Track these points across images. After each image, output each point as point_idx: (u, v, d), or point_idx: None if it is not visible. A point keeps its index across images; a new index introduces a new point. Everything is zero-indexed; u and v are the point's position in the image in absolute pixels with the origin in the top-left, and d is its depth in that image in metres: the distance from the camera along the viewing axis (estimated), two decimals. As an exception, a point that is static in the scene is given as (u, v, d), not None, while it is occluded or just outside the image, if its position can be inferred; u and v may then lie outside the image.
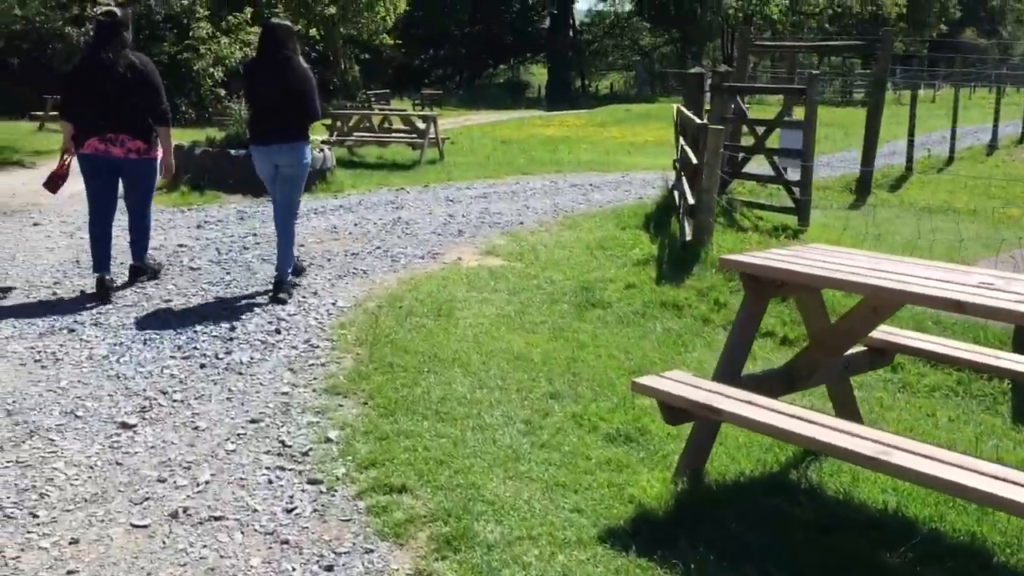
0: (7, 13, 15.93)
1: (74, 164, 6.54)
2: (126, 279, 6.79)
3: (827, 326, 3.70)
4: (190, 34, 13.41)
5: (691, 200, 7.27)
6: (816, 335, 3.71)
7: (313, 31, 30.90)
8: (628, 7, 59.48)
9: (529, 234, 9.17)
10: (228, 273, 7.16)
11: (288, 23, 6.63)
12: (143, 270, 6.85)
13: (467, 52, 50.65)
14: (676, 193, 9.63)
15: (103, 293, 6.28)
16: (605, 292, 6.53)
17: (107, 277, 6.36)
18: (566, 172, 14.90)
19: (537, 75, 58.77)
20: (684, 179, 8.47)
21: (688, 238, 7.08)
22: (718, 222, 8.43)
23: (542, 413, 4.41)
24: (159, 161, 6.55)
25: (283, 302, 6.25)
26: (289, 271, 6.49)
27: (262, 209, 10.22)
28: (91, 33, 6.42)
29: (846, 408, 4.10)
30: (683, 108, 9.89)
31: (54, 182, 6.66)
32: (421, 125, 15.35)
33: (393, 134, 16.61)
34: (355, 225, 9.40)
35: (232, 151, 11.26)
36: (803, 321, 3.93)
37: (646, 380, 3.46)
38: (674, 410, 3.38)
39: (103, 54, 6.15)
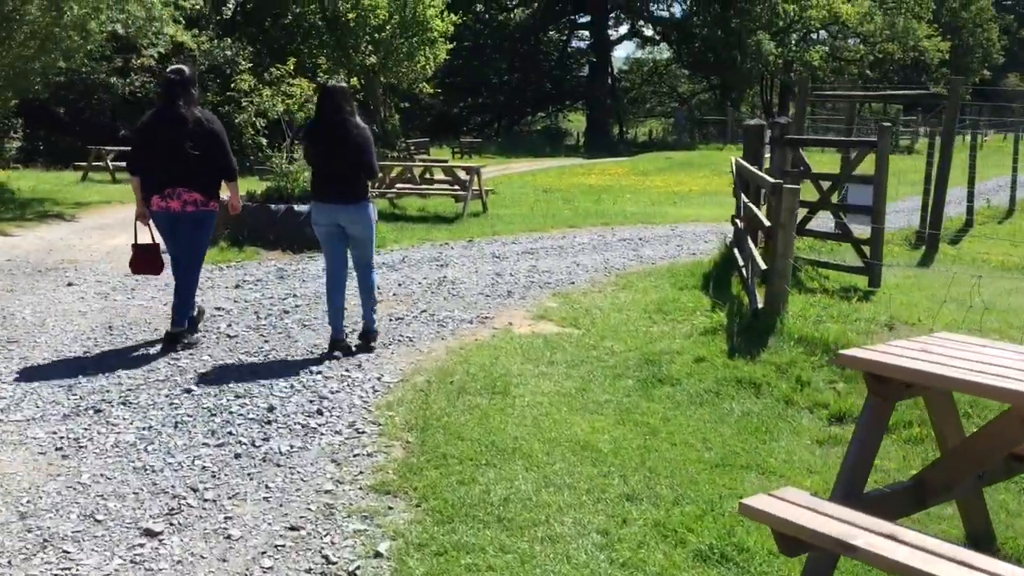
0: (52, 65, 15.89)
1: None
2: (159, 348, 6.42)
3: (967, 439, 3.14)
4: (232, 86, 13.23)
5: (762, 264, 6.74)
6: (955, 450, 3.15)
7: (354, 80, 30.99)
8: (666, 54, 59.42)
9: (582, 295, 8.68)
10: (267, 341, 6.73)
11: (344, 85, 6.61)
12: (180, 337, 6.47)
13: (505, 100, 50.65)
14: (737, 251, 9.10)
15: (168, 344, 6.49)
16: (672, 366, 5.99)
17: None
18: (613, 225, 14.42)
19: (575, 122, 58.67)
20: (749, 238, 7.95)
21: (760, 305, 6.53)
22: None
23: (619, 520, 3.87)
24: (215, 215, 6.55)
25: (371, 350, 6.46)
26: (374, 317, 6.65)
27: (303, 267, 9.84)
28: (160, 89, 6.74)
29: (977, 521, 3.53)
30: (742, 161, 9.40)
31: (141, 261, 6.67)
32: (464, 177, 14.99)
33: (435, 185, 16.29)
34: (399, 285, 8.97)
35: (272, 206, 10.93)
36: (932, 425, 3.38)
37: (757, 503, 2.92)
38: (793, 540, 2.84)
39: (171, 110, 6.24)
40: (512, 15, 51.28)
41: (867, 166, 9.45)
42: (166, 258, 6.68)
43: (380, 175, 15.31)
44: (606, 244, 12.19)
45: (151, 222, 6.47)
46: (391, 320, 7.48)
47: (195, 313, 6.72)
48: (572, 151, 44.46)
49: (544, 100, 52.88)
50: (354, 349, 6.41)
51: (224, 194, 6.65)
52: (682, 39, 52.67)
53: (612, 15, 52.29)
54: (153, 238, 6.56)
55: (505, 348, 6.56)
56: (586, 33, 52.97)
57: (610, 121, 52.30)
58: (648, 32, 54.80)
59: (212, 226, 6.57)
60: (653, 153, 37.48)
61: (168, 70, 6.48)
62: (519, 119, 54.35)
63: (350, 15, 29.16)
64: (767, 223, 6.62)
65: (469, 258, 10.72)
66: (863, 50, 60.30)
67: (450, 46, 33.62)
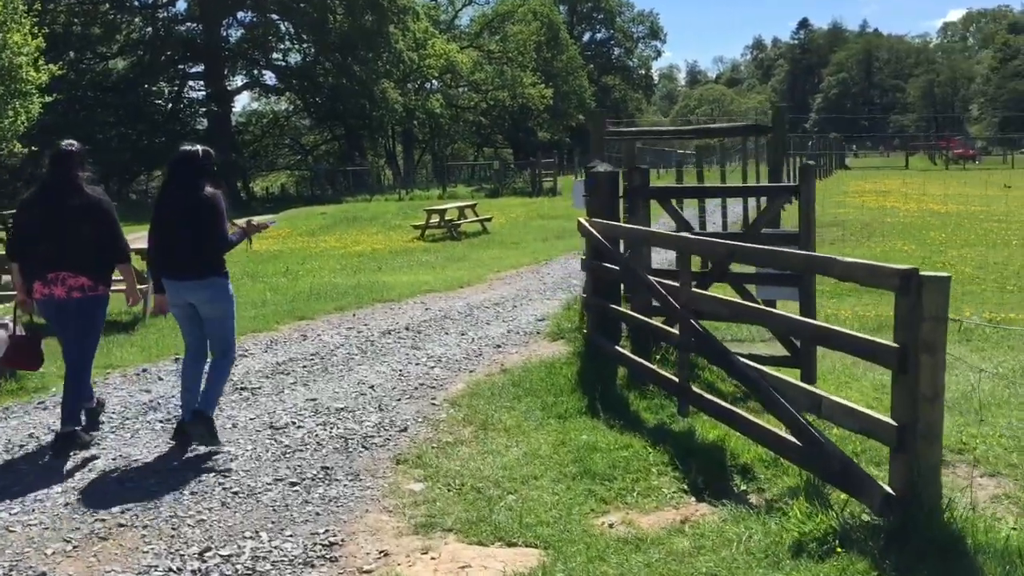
0: None
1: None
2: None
3: None
4: None
5: (877, 413, 3.99)
6: None
7: (-79, 141, 24.25)
8: (284, 105, 56.31)
9: (441, 455, 5.45)
10: None
11: (198, 149, 5.71)
12: (74, 438, 5.51)
13: (114, 158, 43.96)
14: (633, 355, 6.36)
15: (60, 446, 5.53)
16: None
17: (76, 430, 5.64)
18: (348, 310, 11.05)
19: (198, 180, 53.16)
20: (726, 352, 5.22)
21: (890, 490, 3.72)
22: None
23: None
24: (106, 300, 5.89)
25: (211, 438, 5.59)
26: (216, 403, 5.79)
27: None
28: (49, 162, 5.74)
29: None
30: (593, 220, 6.72)
31: (17, 354, 6.13)
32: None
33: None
34: (120, 483, 5.02)
35: None
36: None
37: None
38: None
39: (61, 185, 5.69)
40: (112, 64, 45.02)
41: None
42: None
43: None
44: (372, 344, 8.87)
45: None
46: (159, 596, 3.71)
47: (95, 405, 6.09)
48: (203, 213, 39.41)
49: (159, 157, 46.90)
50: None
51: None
52: (306, 88, 49.80)
53: (228, 64, 47.90)
54: (33, 328, 6.20)
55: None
56: (201, 83, 47.98)
57: (237, 177, 47.80)
58: (270, 81, 51.05)
59: (103, 313, 5.89)
60: (302, 209, 33.88)
61: (63, 143, 5.89)
62: (131, 180, 47.80)
63: (-98, 63, 22.62)
64: (892, 344, 3.79)
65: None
66: (476, 98, 61.76)
67: (48, 99, 27.91)
